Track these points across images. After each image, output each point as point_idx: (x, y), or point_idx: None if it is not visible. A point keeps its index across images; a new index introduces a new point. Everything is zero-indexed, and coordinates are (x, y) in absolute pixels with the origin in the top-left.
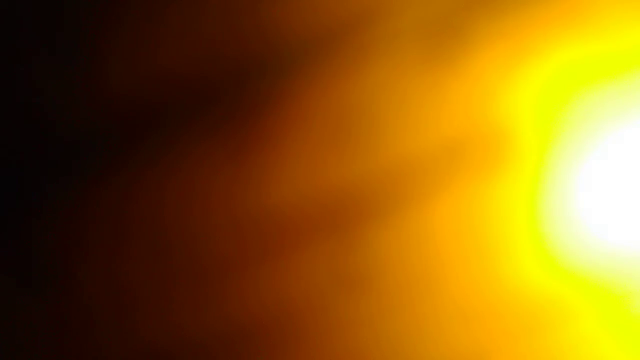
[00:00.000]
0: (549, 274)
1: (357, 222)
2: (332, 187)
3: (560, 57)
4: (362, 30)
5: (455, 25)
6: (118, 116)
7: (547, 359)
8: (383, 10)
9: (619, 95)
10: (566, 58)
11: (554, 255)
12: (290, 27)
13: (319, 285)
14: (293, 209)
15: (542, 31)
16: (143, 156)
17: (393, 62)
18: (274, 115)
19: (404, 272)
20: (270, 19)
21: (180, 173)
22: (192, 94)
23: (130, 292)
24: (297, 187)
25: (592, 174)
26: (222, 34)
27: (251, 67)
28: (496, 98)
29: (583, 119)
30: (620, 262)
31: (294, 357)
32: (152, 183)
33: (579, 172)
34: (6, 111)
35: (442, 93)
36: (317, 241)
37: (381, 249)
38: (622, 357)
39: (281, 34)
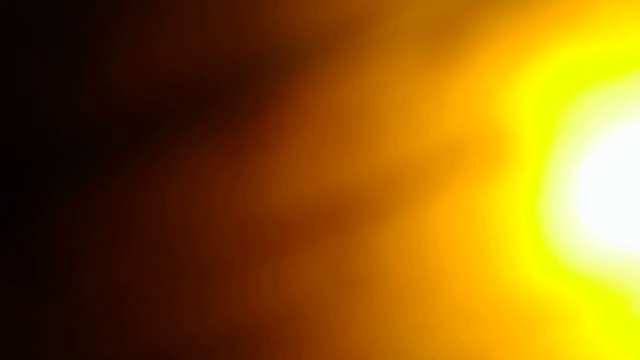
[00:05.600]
0: (549, 274)
1: (357, 222)
2: (332, 187)
3: (560, 57)
4: (362, 30)
5: (455, 25)
6: (118, 116)
7: (547, 358)
8: (383, 10)
9: (619, 95)
10: (566, 58)
11: (554, 255)
12: (290, 27)
13: (320, 285)
14: (293, 208)
15: (542, 31)
16: (143, 156)
17: (393, 62)
18: (274, 115)
19: (404, 272)
20: (270, 18)
21: (181, 173)
22: (192, 93)
23: (130, 292)
24: (298, 187)
25: (592, 174)
26: (222, 34)
27: (251, 67)
28: (496, 98)
29: (583, 119)
30: (620, 262)
31: (294, 357)
32: (152, 183)
33: (579, 173)
34: (7, 111)
35: (442, 93)
36: (317, 241)
37: (381, 249)
38: (622, 357)
39: (281, 34)
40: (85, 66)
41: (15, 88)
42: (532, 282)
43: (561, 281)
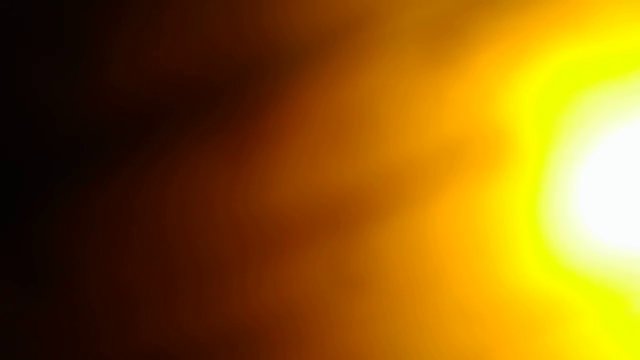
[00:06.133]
0: (549, 274)
1: (357, 222)
2: (332, 187)
3: (560, 57)
4: (362, 30)
5: (455, 25)
6: (118, 116)
7: (547, 358)
8: (383, 10)
9: (619, 95)
10: (566, 58)
11: (554, 255)
12: (291, 27)
13: (320, 285)
14: (293, 209)
15: (542, 31)
16: (143, 156)
17: (393, 62)
18: (274, 115)
19: (404, 272)
20: (270, 19)
21: (181, 173)
22: (192, 94)
23: (130, 292)
24: (298, 187)
25: (592, 175)
26: (223, 34)
27: (251, 67)
28: (496, 98)
29: (583, 119)
30: (620, 262)
31: (294, 357)
32: (152, 183)
33: (579, 173)
34: (7, 111)
35: (442, 93)
36: (317, 241)
37: (381, 249)
38: (622, 357)
39: (281, 34)
40: (85, 66)
41: (15, 88)
42: (532, 282)
43: (561, 281)
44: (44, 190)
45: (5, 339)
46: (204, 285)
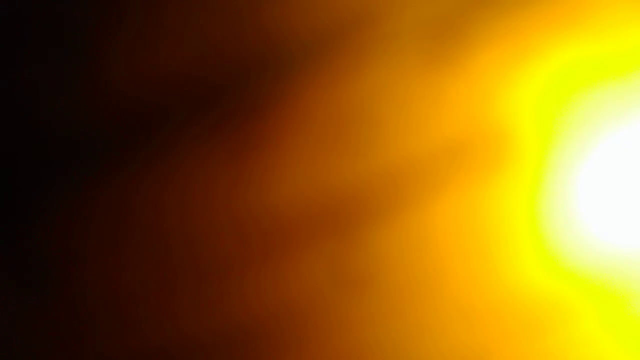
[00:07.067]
0: (549, 274)
1: (357, 222)
2: (332, 187)
3: (560, 57)
4: (362, 30)
5: (455, 26)
6: (118, 116)
7: (547, 358)
8: (383, 10)
9: (619, 95)
10: (566, 58)
11: (554, 255)
12: (291, 27)
13: (320, 285)
14: (293, 209)
15: (542, 31)
16: (143, 156)
17: (393, 62)
18: (274, 116)
19: (404, 272)
20: (270, 19)
21: (181, 173)
22: (192, 94)
23: (130, 292)
24: (298, 187)
25: (592, 175)
26: (223, 34)
27: (252, 68)
28: (496, 98)
29: (583, 119)
30: (620, 262)
31: (294, 356)
32: (152, 183)
33: (579, 173)
34: (6, 111)
35: (442, 93)
36: (317, 241)
37: (381, 249)
38: (622, 357)
39: (281, 34)
40: (85, 66)
41: (15, 88)
42: (532, 282)
43: (561, 281)
44: (44, 191)
45: (5, 338)
46: (204, 285)
